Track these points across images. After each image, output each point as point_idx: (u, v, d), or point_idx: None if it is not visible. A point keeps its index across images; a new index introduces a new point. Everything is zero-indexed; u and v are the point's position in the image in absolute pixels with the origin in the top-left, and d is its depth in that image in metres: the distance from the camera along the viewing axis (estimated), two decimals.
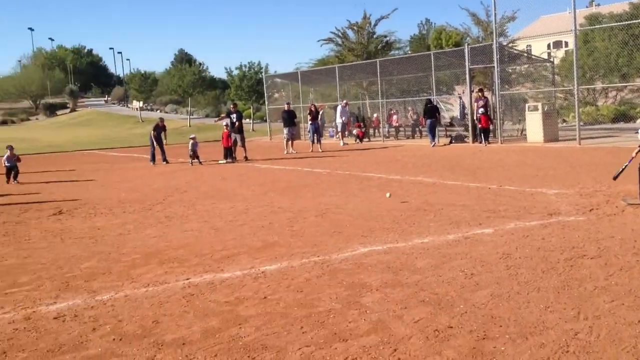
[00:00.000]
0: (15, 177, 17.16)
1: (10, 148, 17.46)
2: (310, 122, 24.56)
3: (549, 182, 11.94)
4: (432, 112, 23.94)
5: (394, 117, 30.14)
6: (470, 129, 24.14)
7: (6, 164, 17.22)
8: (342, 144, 26.53)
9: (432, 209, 9.67)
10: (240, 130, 21.36)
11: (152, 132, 21.64)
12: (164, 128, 21.88)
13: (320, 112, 28.08)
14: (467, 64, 23.36)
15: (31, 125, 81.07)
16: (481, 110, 22.36)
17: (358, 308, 5.17)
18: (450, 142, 24.43)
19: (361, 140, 28.02)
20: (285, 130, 23.66)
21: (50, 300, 5.81)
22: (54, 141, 42.64)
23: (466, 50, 23.42)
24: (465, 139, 24.47)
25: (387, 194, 11.18)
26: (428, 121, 24.04)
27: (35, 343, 4.72)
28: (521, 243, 7.15)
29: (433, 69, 25.44)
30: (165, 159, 21.44)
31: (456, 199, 10.56)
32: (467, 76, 23.68)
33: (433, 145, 23.42)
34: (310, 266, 6.61)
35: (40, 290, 6.16)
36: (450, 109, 30.30)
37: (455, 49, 28.11)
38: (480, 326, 4.65)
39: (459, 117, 27.43)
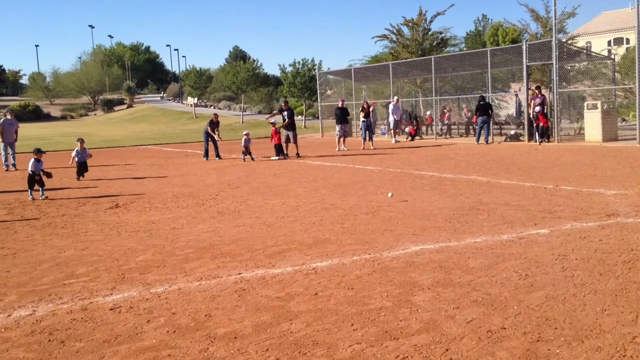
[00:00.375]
0: (82, 174, 16.47)
1: (81, 141, 16.89)
2: (362, 120, 24.47)
3: (607, 182, 11.62)
4: (484, 109, 23.61)
5: (447, 114, 29.79)
6: (525, 127, 23.69)
7: (77, 159, 16.50)
8: (394, 141, 26.37)
9: (486, 208, 9.52)
10: (292, 127, 21.45)
11: (207, 127, 21.89)
12: (217, 124, 22.14)
13: (372, 109, 27.99)
14: (524, 60, 22.93)
15: (89, 120, 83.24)
16: (537, 108, 21.93)
17: (409, 307, 5.12)
18: (505, 140, 24.03)
19: (413, 138, 27.80)
20: (338, 127, 23.60)
21: (106, 291, 5.95)
22: (110, 136, 43.68)
23: (524, 47, 23.00)
24: (521, 138, 24.03)
25: (389, 194, 11.18)
26: (480, 118, 23.71)
27: (91, 333, 4.83)
28: (578, 244, 6.98)
29: (489, 65, 25.06)
30: (218, 155, 21.70)
31: (510, 199, 10.37)
32: (525, 73, 23.24)
33: (488, 143, 23.13)
34: (361, 263, 6.58)
35: (97, 282, 6.31)
36: (505, 106, 29.79)
37: (513, 45, 27.61)
38: (534, 328, 4.55)
39: (514, 115, 26.94)
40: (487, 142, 23.50)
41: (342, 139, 23.55)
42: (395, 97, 27.81)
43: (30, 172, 12.83)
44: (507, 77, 29.81)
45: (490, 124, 23.94)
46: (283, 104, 22.60)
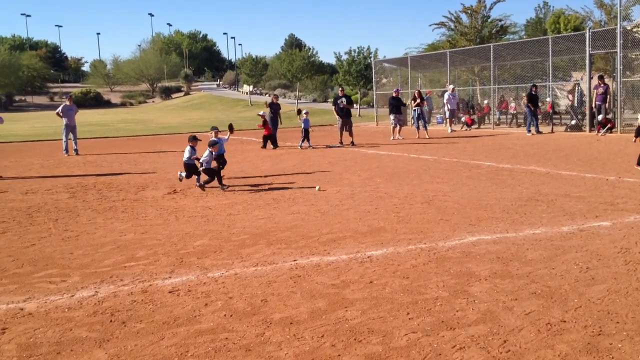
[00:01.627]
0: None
1: (216, 131, 13.70)
2: (413, 108, 24.23)
3: None
4: (537, 99, 23.20)
5: (512, 104, 29.19)
6: (587, 117, 23.07)
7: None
8: (449, 130, 26.06)
9: (545, 200, 9.33)
10: (347, 115, 21.36)
11: (268, 109, 21.80)
12: (279, 106, 22.14)
13: (427, 98, 27.67)
14: (587, 49, 22.31)
15: (147, 107, 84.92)
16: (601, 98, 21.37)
17: (466, 297, 5.06)
18: (566, 131, 23.47)
19: (470, 127, 27.40)
20: (392, 117, 23.41)
21: (165, 274, 6.07)
22: (167, 123, 44.42)
23: (587, 35, 22.37)
24: (582, 128, 23.42)
25: (317, 187, 11.17)
26: (527, 109, 23.34)
27: (151, 315, 4.94)
28: None
29: (550, 54, 24.45)
30: (274, 142, 21.68)
31: (571, 190, 10.13)
32: (587, 62, 22.62)
33: (538, 133, 22.74)
34: (416, 253, 6.54)
35: (156, 265, 6.45)
36: (566, 96, 29.05)
37: (576, 33, 26.86)
38: (595, 322, 4.45)
39: (576, 105, 26.25)
40: (529, 132, 23.10)
41: (397, 128, 23.37)
42: (451, 86, 27.42)
43: (188, 161, 12.02)
44: (568, 66, 29.03)
45: (533, 115, 23.42)
46: (339, 91, 22.53)
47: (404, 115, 24.26)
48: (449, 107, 26.40)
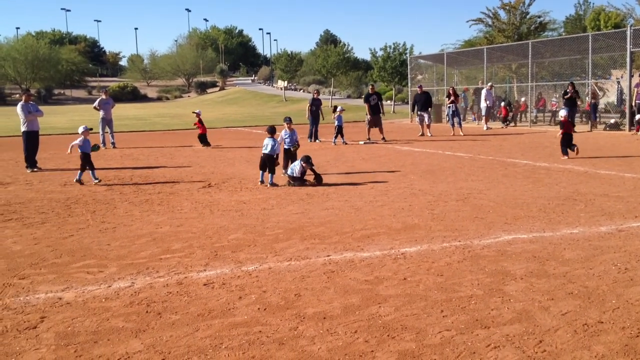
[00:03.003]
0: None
1: (289, 121, 13.03)
2: (448, 105, 24.04)
3: None
4: (574, 99, 22.57)
5: (553, 100, 28.69)
6: (627, 115, 22.61)
7: (286, 146, 12.80)
8: (485, 128, 25.78)
9: (583, 199, 9.18)
10: (377, 112, 21.30)
11: (309, 106, 21.80)
12: (320, 101, 22.06)
13: (461, 95, 27.38)
14: (628, 46, 21.87)
15: (183, 102, 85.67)
16: None
17: (501, 296, 5.01)
18: (605, 129, 23.04)
19: (507, 125, 27.06)
20: (419, 114, 23.29)
21: (200, 267, 6.13)
22: (203, 118, 44.72)
23: (628, 32, 21.93)
24: (621, 127, 22.97)
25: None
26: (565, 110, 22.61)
27: (186, 307, 4.99)
28: None
29: (590, 51, 24.00)
30: (317, 137, 21.64)
31: (609, 190, 9.95)
32: (628, 59, 22.18)
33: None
34: (451, 250, 6.49)
35: (191, 258, 6.51)
36: (606, 94, 28.53)
37: (616, 30, 26.30)
38: (633, 323, 4.37)
39: (615, 103, 25.75)
40: None
41: (424, 124, 23.17)
42: (489, 84, 27.09)
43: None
44: (608, 64, 28.49)
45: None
46: (370, 89, 22.40)
47: (429, 111, 23.82)
48: (488, 103, 26.00)
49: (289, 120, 12.94)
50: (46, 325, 4.67)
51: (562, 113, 14.99)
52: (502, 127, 26.63)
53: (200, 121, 21.08)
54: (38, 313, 4.92)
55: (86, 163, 12.21)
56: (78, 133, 12.71)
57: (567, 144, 14.47)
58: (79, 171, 12.24)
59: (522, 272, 5.65)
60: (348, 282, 5.51)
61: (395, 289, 5.28)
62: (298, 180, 11.54)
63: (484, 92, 26.37)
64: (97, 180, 12.10)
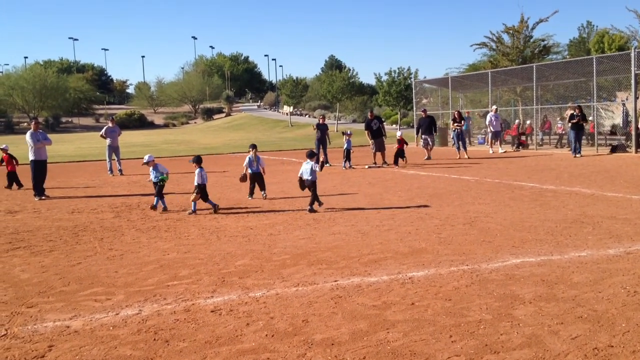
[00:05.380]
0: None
1: (254, 147, 13.58)
2: (454, 129, 24.13)
3: None
4: (581, 124, 22.47)
5: (559, 124, 28.68)
6: (633, 137, 22.58)
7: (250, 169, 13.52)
8: (491, 151, 25.79)
9: (591, 222, 9.15)
10: (379, 135, 21.36)
11: (316, 130, 21.96)
12: (326, 126, 22.24)
13: (465, 118, 27.40)
14: (633, 68, 21.92)
15: (189, 128, 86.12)
16: None
17: (510, 320, 4.98)
18: (611, 152, 22.99)
19: (519, 148, 27.07)
20: (423, 137, 23.48)
21: (207, 294, 6.13)
22: (209, 144, 44.95)
23: (632, 54, 22.01)
24: (628, 149, 22.93)
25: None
26: (573, 132, 22.44)
27: (194, 334, 4.98)
28: None
29: (595, 74, 24.06)
30: (326, 161, 21.77)
31: (617, 212, 9.92)
32: (633, 81, 22.20)
33: (580, 156, 21.96)
34: (458, 274, 6.47)
35: (198, 284, 6.51)
36: (611, 116, 28.51)
37: (621, 52, 26.38)
38: None
39: (621, 125, 25.73)
40: (575, 154, 22.24)
41: (428, 148, 23.32)
42: (494, 107, 27.08)
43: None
44: (613, 86, 28.54)
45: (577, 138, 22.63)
46: (369, 115, 22.39)
47: (433, 136, 23.96)
48: (492, 128, 26.02)
49: (253, 147, 13.47)
50: (54, 354, 4.66)
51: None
52: (515, 150, 26.51)
53: (9, 157, 17.56)
54: (46, 342, 4.92)
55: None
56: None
57: None
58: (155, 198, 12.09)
59: (530, 296, 5.62)
60: (356, 308, 5.49)
61: (403, 314, 5.25)
62: (320, 168, 11.59)
63: (489, 115, 26.35)
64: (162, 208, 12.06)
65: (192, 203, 11.66)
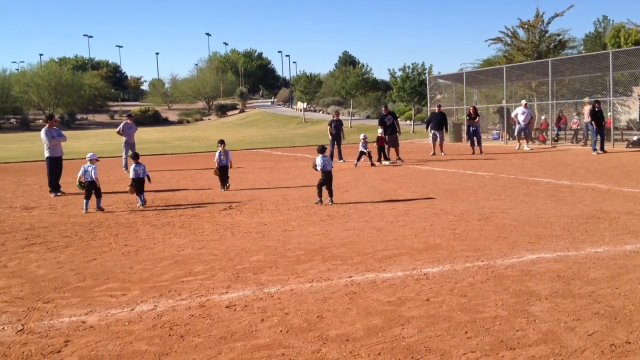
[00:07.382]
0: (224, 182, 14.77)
1: (222, 143, 15.37)
2: (468, 125, 23.99)
3: None
4: (601, 116, 21.98)
5: (575, 119, 28.32)
6: None
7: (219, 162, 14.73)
8: (526, 148, 24.72)
9: (607, 217, 9.07)
10: (393, 131, 21.29)
11: (329, 127, 22.02)
12: (341, 122, 22.23)
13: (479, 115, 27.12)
14: None
15: (203, 125, 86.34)
16: None
17: (526, 316, 4.95)
18: (627, 147, 22.78)
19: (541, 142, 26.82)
20: (432, 133, 23.51)
21: (222, 289, 6.14)
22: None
23: None
24: None
25: None
26: (591, 126, 21.93)
27: (209, 329, 5.00)
28: None
29: (611, 68, 23.80)
30: (341, 157, 21.84)
31: (634, 207, 9.83)
32: None
33: (603, 152, 21.44)
34: (474, 270, 6.44)
35: (213, 280, 6.52)
36: (627, 111, 28.22)
37: (637, 47, 26.07)
38: None
39: (637, 120, 25.45)
40: (594, 151, 21.71)
41: (436, 143, 23.23)
42: (524, 101, 25.95)
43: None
44: (629, 81, 28.24)
45: (597, 133, 22.11)
46: (383, 110, 22.23)
47: (442, 132, 23.77)
48: (522, 124, 24.87)
49: (222, 143, 15.08)
50: (70, 349, 4.69)
51: None
52: (549, 145, 26.07)
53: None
54: (62, 337, 4.95)
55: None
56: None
57: None
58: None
59: (546, 292, 5.58)
60: (370, 304, 5.47)
61: (418, 310, 5.23)
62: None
63: (520, 109, 25.17)
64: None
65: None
